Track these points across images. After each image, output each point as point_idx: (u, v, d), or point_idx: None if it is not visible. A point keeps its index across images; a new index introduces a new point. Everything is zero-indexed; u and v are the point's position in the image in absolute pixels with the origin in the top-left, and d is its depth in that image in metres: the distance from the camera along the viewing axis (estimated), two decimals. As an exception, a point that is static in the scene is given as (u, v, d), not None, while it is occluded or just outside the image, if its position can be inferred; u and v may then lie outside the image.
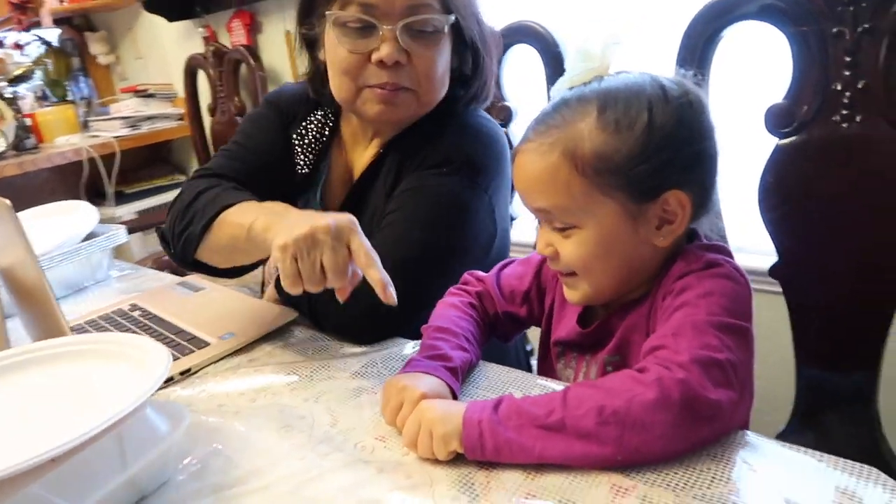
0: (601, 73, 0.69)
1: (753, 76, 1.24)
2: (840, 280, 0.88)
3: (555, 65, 1.15)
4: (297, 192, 1.08)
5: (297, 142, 1.07)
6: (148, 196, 2.75)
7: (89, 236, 1.28)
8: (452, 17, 0.91)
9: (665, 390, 0.53)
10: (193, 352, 0.87)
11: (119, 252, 1.49)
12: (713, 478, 0.54)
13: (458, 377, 0.72)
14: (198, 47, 2.57)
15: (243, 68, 2.22)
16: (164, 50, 2.83)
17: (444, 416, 0.59)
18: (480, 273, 0.88)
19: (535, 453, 0.56)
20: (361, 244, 0.70)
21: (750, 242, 1.12)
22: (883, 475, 0.52)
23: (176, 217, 0.96)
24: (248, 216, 0.82)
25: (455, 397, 0.69)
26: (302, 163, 1.07)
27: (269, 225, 0.78)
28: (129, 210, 2.64)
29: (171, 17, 2.58)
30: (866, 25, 0.80)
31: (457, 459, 0.59)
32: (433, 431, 0.59)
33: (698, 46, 0.94)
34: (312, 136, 1.07)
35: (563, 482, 0.55)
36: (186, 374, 0.83)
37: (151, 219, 2.47)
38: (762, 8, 0.88)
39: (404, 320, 0.87)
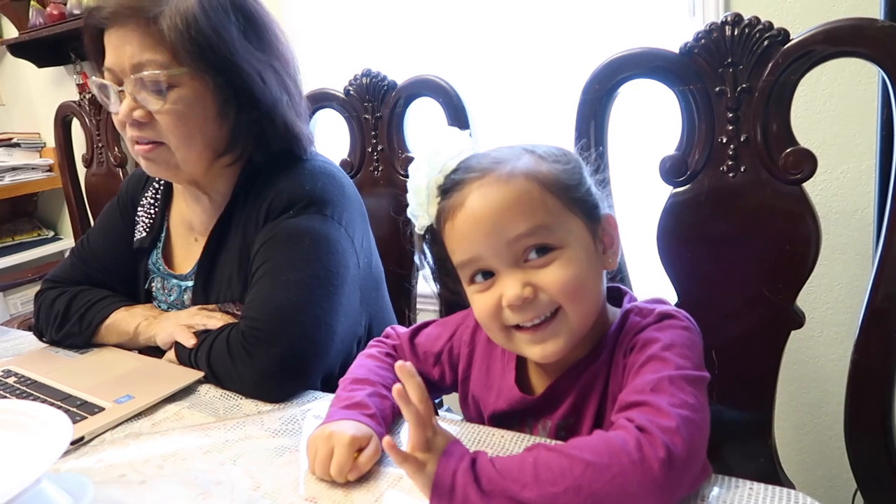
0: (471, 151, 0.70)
1: (648, 129, 1.33)
2: (734, 316, 0.94)
3: (457, 117, 1.18)
4: (140, 257, 1.11)
5: (140, 213, 1.12)
6: (10, 253, 2.51)
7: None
8: (184, 70, 0.89)
9: (648, 471, 0.50)
10: (86, 418, 0.79)
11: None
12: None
13: (381, 424, 0.69)
14: (70, 94, 2.42)
15: (124, 118, 2.11)
16: (31, 96, 2.64)
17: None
18: (400, 329, 0.87)
19: None
20: None
21: (651, 285, 1.18)
22: (809, 497, 0.55)
23: (50, 327, 1.07)
24: (130, 323, 1.02)
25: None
26: (141, 227, 1.10)
27: (149, 325, 1.00)
28: (-15, 269, 2.40)
29: (41, 63, 2.42)
30: (744, 85, 0.88)
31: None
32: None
33: (597, 101, 1.00)
34: (149, 199, 1.11)
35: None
36: (79, 443, 0.75)
37: (14, 278, 2.25)
38: (652, 67, 0.95)
39: (312, 366, 0.86)
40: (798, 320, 0.90)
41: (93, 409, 0.81)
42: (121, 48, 0.89)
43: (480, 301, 0.67)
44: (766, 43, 0.85)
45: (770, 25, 0.85)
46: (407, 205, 0.72)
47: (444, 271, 0.73)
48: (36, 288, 2.61)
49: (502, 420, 0.75)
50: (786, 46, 0.84)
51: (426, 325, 0.85)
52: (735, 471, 0.62)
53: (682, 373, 0.58)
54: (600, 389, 0.68)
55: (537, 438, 0.68)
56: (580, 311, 0.65)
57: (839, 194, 1.26)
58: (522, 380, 0.74)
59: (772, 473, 0.95)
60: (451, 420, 0.76)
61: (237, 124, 0.96)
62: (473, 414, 0.80)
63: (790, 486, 0.94)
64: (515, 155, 0.67)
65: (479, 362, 0.78)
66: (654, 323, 0.65)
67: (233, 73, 0.92)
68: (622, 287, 0.76)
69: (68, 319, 1.05)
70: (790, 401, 1.41)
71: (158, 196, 1.11)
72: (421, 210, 0.70)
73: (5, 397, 0.87)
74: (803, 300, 0.89)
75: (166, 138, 0.92)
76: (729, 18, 0.87)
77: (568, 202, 0.66)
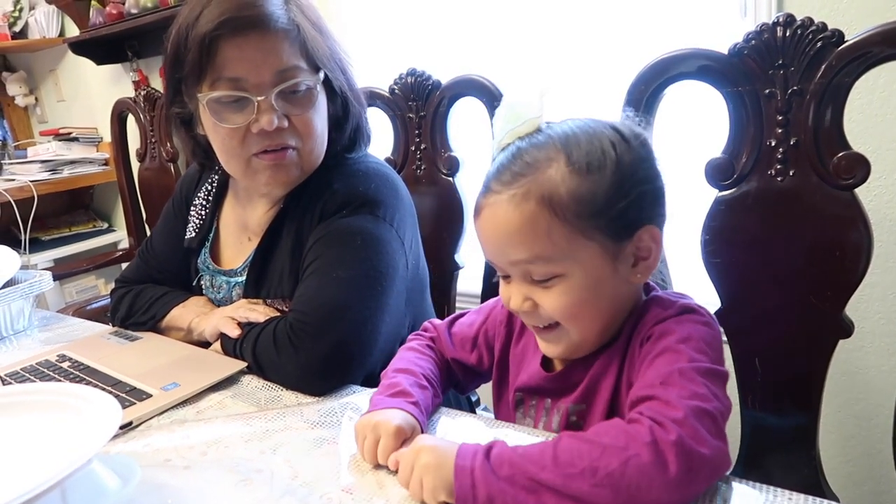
0: (538, 123, 0.67)
1: (694, 131, 1.30)
2: (779, 323, 0.92)
3: (501, 117, 1.18)
4: (191, 256, 1.12)
5: (192, 212, 1.13)
6: (66, 243, 2.61)
7: (8, 283, 1.20)
8: (322, 75, 0.94)
9: (661, 454, 0.51)
10: (134, 404, 0.81)
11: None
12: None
13: (423, 413, 0.71)
14: (126, 91, 2.50)
15: (176, 114, 2.17)
16: (90, 93, 2.74)
17: (437, 463, 0.58)
18: (437, 321, 0.88)
19: None
20: None
21: (693, 289, 1.17)
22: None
23: (118, 325, 1.14)
24: (185, 320, 1.05)
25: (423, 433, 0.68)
26: (191, 227, 1.12)
27: (200, 321, 1.03)
28: (43, 258, 2.49)
29: (100, 61, 2.51)
30: (796, 88, 0.86)
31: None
32: (423, 481, 0.57)
33: (642, 103, 0.99)
34: (201, 200, 1.12)
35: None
36: (128, 427, 0.77)
37: (70, 267, 2.33)
38: (700, 68, 0.94)
39: (355, 364, 0.87)
40: (846, 329, 0.88)
41: (141, 395, 0.84)
42: (259, 58, 0.88)
43: (502, 291, 0.70)
44: (819, 44, 0.83)
45: (824, 26, 0.83)
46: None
47: None
48: (90, 277, 2.71)
49: (522, 397, 0.77)
50: (840, 48, 0.82)
51: (461, 315, 0.87)
52: (777, 481, 0.61)
53: (693, 365, 0.58)
54: (615, 375, 0.68)
55: (553, 435, 0.68)
56: (580, 328, 0.67)
57: (895, 201, 1.22)
58: (547, 360, 0.75)
59: (815, 486, 0.93)
60: (485, 419, 0.76)
61: (332, 116, 1.00)
62: (504, 397, 0.81)
63: (834, 499, 0.92)
64: (545, 161, 0.63)
65: (517, 340, 0.80)
66: (673, 315, 0.64)
67: (334, 70, 0.96)
68: (649, 282, 0.73)
69: (131, 315, 1.11)
70: (838, 412, 1.37)
71: (210, 197, 1.12)
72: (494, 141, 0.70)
73: (60, 381, 0.91)
74: (854, 309, 0.87)
75: (301, 143, 0.94)
76: (781, 19, 0.85)
77: (584, 227, 0.62)
